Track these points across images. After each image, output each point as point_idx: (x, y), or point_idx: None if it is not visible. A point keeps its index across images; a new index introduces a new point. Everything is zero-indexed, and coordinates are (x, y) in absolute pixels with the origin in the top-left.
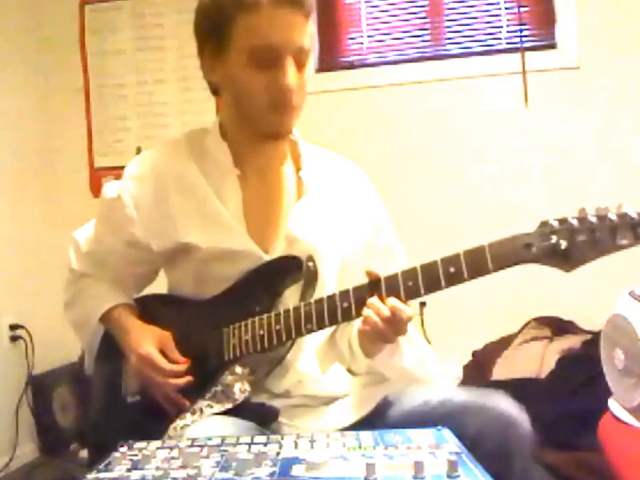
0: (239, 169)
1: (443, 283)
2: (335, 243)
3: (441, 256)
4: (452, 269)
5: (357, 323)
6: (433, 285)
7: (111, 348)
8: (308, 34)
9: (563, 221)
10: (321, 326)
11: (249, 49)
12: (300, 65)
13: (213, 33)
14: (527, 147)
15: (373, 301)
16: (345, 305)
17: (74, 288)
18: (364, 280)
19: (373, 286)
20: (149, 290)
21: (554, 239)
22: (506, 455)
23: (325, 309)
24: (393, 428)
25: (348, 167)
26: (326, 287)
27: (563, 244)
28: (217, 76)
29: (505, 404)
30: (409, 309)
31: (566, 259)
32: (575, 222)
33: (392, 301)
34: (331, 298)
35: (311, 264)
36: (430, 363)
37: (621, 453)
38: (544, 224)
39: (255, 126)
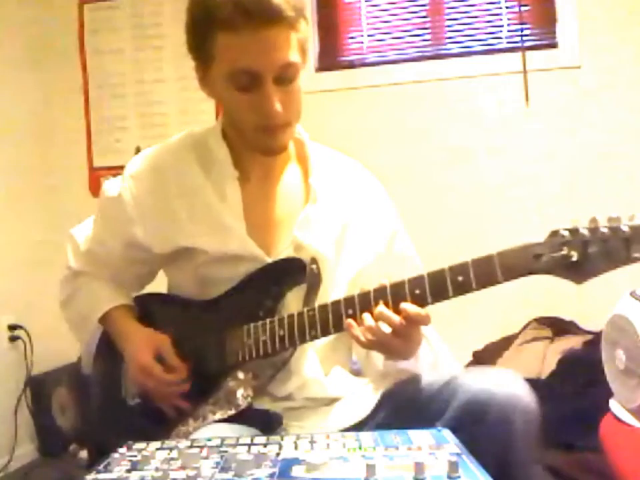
0: (240, 170)
1: (450, 292)
2: (343, 253)
3: (449, 264)
4: (460, 278)
5: None
6: (440, 293)
7: (110, 348)
8: (295, 46)
9: (574, 232)
10: (325, 333)
11: (228, 71)
12: (287, 80)
13: (195, 49)
14: (528, 147)
15: (382, 309)
16: (350, 312)
17: (71, 286)
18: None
19: (379, 293)
20: (151, 288)
21: (565, 250)
22: (509, 436)
23: (330, 315)
24: (395, 415)
25: (359, 173)
26: (331, 295)
27: (574, 256)
28: (207, 89)
29: (513, 386)
30: (423, 310)
31: (577, 271)
32: (586, 233)
33: (404, 305)
34: (335, 304)
35: (314, 267)
36: (443, 366)
37: (622, 454)
38: (554, 233)
39: (246, 142)
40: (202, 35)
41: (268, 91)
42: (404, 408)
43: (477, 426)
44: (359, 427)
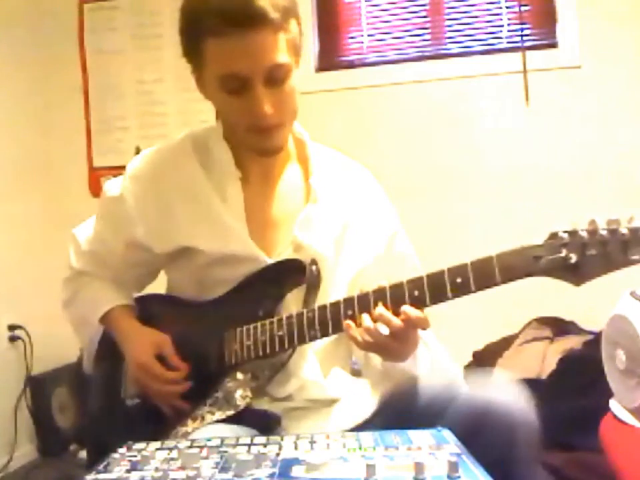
0: (241, 170)
1: (449, 293)
2: (343, 253)
3: (448, 264)
4: (459, 279)
5: None
6: (439, 295)
7: (111, 348)
8: (283, 47)
9: (573, 234)
10: (324, 333)
11: (218, 76)
12: (278, 81)
13: (187, 54)
14: (528, 147)
15: (381, 311)
16: (349, 313)
17: (73, 286)
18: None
19: (378, 294)
20: (151, 288)
21: (564, 252)
22: (510, 454)
23: (329, 316)
24: (394, 420)
25: (358, 173)
26: (330, 295)
27: (573, 258)
28: (202, 91)
29: (513, 402)
30: (421, 312)
31: (576, 273)
32: (585, 235)
33: (405, 308)
34: (334, 305)
35: (314, 267)
36: (440, 367)
37: (622, 454)
38: (553, 235)
39: (242, 143)
40: (192, 41)
41: (257, 94)
42: (402, 412)
43: (477, 432)
44: (357, 430)
